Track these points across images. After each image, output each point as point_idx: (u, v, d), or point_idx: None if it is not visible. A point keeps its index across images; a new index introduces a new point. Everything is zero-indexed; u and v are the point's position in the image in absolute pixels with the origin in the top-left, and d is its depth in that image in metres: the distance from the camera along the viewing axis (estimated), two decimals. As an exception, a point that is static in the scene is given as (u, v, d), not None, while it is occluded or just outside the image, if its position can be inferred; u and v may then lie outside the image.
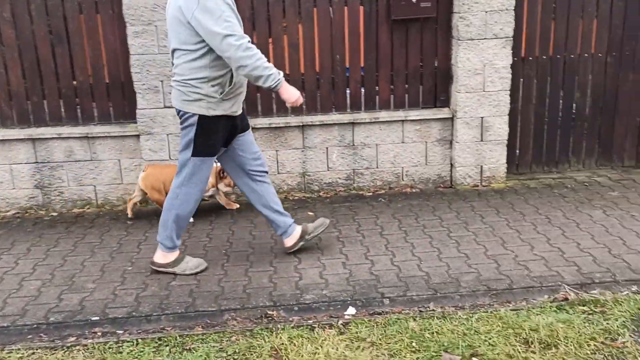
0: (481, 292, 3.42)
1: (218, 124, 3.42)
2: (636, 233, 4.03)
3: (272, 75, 3.21)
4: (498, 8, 4.72)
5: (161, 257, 3.70)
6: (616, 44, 5.03)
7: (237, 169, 3.73)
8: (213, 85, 3.32)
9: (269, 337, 3.00)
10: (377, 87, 5.07)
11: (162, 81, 4.73)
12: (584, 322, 2.94)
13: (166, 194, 3.93)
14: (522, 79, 5.06)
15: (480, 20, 4.74)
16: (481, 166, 5.04)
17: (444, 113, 5.03)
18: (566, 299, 3.23)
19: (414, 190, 5.09)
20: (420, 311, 3.25)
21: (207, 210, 4.80)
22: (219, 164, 4.25)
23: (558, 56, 5.03)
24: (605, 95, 5.14)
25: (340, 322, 3.15)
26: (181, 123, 3.47)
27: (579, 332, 2.85)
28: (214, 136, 3.45)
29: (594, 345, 2.75)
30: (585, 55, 5.04)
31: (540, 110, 5.14)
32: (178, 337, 3.06)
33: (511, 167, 5.21)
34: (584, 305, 3.11)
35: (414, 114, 5.03)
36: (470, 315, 3.11)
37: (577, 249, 3.85)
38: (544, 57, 5.02)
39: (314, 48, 4.97)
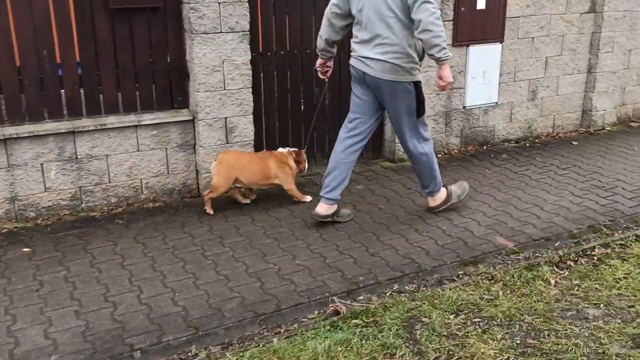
0: (248, 320, 3.00)
1: (421, 85, 3.85)
2: (386, 227, 4.08)
3: (446, 49, 3.56)
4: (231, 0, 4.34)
5: (432, 201, 4.20)
6: (347, 40, 5.08)
7: None
8: (417, 53, 3.70)
9: None
10: (100, 88, 4.26)
11: None
12: (361, 340, 2.73)
13: (237, 183, 4.24)
14: (262, 75, 4.79)
15: (213, 12, 4.29)
16: (229, 170, 4.64)
17: (183, 115, 4.47)
18: (337, 312, 3.01)
19: (157, 205, 4.43)
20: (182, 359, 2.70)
21: None
22: (290, 149, 4.43)
23: (295, 51, 4.88)
24: (342, 90, 5.18)
25: (78, 399, 2.41)
26: (393, 96, 3.77)
27: (358, 353, 2.62)
28: (424, 95, 3.88)
29: (376, 366, 2.55)
30: (321, 50, 5.00)
31: (283, 107, 4.95)
32: None
33: (259, 169, 4.92)
34: (356, 318, 2.91)
35: (149, 118, 4.36)
36: (241, 354, 2.66)
37: (338, 252, 3.70)
38: (282, 52, 4.83)
39: (10, 40, 3.93)
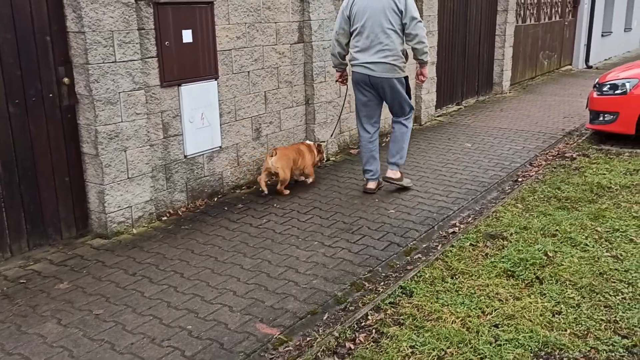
0: None
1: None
2: (110, 344, 2.94)
3: (428, 53, 4.88)
4: None
5: (393, 174, 5.12)
6: (17, 88, 3.75)
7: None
8: (405, 56, 4.85)
9: None
10: None
11: None
12: None
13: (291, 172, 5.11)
14: None
15: None
16: None
17: None
18: None
19: None
20: None
21: None
22: (312, 142, 5.54)
23: None
24: (19, 154, 3.82)
25: None
26: (392, 89, 4.88)
27: None
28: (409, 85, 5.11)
29: None
30: (-23, 104, 3.56)
31: None
32: None
33: None
34: None
35: None
36: None
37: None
38: None
39: None
